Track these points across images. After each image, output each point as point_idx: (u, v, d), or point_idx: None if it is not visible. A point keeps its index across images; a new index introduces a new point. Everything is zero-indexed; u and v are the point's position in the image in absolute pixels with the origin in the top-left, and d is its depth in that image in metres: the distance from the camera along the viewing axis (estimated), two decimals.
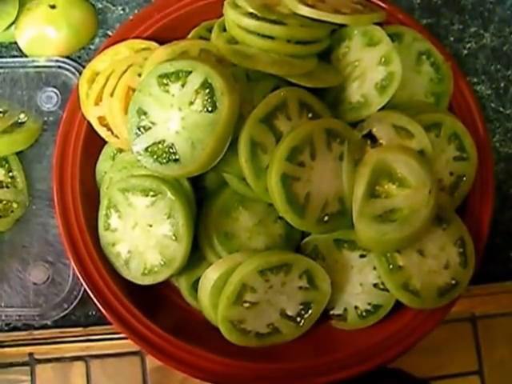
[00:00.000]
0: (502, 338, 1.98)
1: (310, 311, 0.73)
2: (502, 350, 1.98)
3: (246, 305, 0.73)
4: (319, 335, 0.80)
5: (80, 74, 0.81)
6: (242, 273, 0.71)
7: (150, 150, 0.70)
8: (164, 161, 0.69)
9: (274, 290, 0.73)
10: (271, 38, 0.72)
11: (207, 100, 0.68)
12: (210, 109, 0.68)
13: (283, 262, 0.72)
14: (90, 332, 0.91)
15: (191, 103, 0.68)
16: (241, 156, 0.70)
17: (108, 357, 1.66)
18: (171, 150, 0.69)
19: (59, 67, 0.92)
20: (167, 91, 0.69)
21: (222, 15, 0.77)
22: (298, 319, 0.73)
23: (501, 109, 0.94)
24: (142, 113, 0.70)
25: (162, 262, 0.75)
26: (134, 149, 0.70)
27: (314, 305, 0.73)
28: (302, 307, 0.73)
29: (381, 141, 0.73)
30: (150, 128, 0.70)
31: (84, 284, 0.76)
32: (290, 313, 0.73)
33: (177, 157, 0.69)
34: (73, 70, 0.92)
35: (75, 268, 0.77)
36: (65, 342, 0.94)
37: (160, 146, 0.69)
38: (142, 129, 0.70)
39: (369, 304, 0.77)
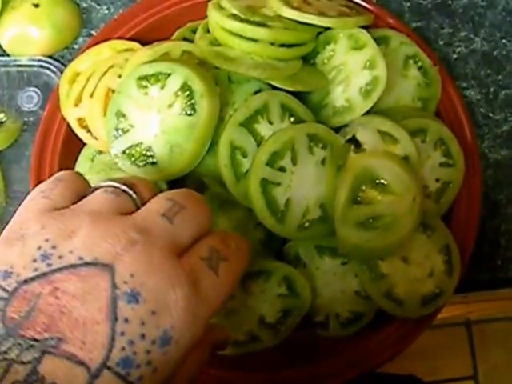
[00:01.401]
0: (497, 342, 1.99)
1: (289, 318, 0.72)
2: (496, 354, 1.98)
3: (225, 312, 0.72)
4: (303, 343, 0.79)
5: (62, 73, 0.80)
6: None
7: (127, 152, 0.69)
8: (141, 164, 0.68)
9: (253, 297, 0.72)
10: (254, 40, 0.71)
11: (186, 103, 0.67)
12: (189, 112, 0.67)
13: (262, 269, 0.71)
14: None
15: (170, 106, 0.67)
16: (220, 160, 0.69)
17: None
18: (149, 153, 0.68)
19: (41, 67, 0.91)
20: (146, 93, 0.68)
21: (207, 16, 0.76)
22: (278, 326, 0.72)
23: (490, 114, 0.93)
24: (120, 115, 0.69)
25: None
26: (112, 151, 0.69)
27: (294, 312, 0.71)
28: (281, 314, 0.72)
29: (365, 146, 0.71)
30: (128, 130, 0.69)
31: None
32: (268, 320, 0.72)
33: (154, 160, 0.68)
34: (55, 69, 0.91)
35: None
36: None
37: (138, 148, 0.68)
38: (120, 131, 0.69)
39: (350, 312, 0.76)
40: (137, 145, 0.68)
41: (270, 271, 0.71)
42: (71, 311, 0.40)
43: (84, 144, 0.79)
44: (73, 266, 0.42)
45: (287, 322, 0.72)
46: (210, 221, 0.51)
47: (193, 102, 0.66)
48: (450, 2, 0.97)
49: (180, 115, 0.67)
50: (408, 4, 0.96)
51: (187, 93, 0.67)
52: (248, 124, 0.70)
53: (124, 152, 0.69)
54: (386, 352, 0.76)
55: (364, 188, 0.69)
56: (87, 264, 0.42)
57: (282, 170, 0.69)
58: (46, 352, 0.39)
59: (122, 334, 0.41)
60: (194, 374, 0.49)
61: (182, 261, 0.45)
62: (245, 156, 0.70)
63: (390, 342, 0.76)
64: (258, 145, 0.70)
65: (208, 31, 0.76)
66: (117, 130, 0.69)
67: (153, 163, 0.68)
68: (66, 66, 0.81)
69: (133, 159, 0.68)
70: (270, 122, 0.71)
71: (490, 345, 1.99)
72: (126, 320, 0.41)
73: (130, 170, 0.69)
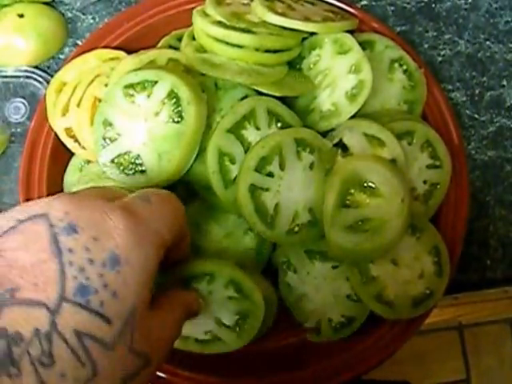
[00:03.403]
0: (489, 346, 1.99)
1: (247, 321, 0.71)
2: (489, 358, 1.98)
3: None
4: (293, 349, 0.79)
5: (49, 84, 0.80)
6: (166, 283, 0.70)
7: (115, 161, 0.69)
8: (130, 172, 0.68)
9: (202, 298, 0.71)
10: (240, 46, 0.71)
11: (173, 110, 0.67)
12: (176, 119, 0.67)
13: (202, 271, 0.70)
14: None
15: (157, 114, 0.67)
16: (208, 167, 0.69)
17: None
18: (137, 162, 0.68)
19: (27, 77, 0.91)
20: (133, 102, 0.68)
21: (192, 24, 0.76)
22: (237, 329, 0.72)
23: (476, 116, 0.94)
24: (107, 124, 0.69)
25: None
26: (100, 160, 0.69)
27: (250, 315, 0.71)
28: (238, 317, 0.71)
29: (352, 150, 0.72)
30: (115, 139, 0.69)
31: None
32: (226, 322, 0.71)
33: (143, 168, 0.68)
34: (41, 80, 0.91)
35: None
36: None
37: (126, 157, 0.68)
38: (107, 140, 0.69)
39: (342, 316, 0.76)
40: (125, 153, 0.68)
41: (211, 273, 0.70)
42: (17, 261, 0.42)
43: (72, 154, 0.79)
44: (12, 227, 0.43)
45: (246, 325, 0.71)
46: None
47: (180, 109, 0.67)
48: (433, 5, 0.97)
49: (167, 123, 0.67)
50: (392, 8, 0.97)
51: (174, 100, 0.67)
52: (235, 130, 0.70)
53: (112, 161, 0.69)
54: (377, 355, 0.76)
55: (352, 191, 0.69)
56: (23, 221, 0.44)
57: (270, 175, 0.69)
58: (3, 305, 0.40)
59: (70, 263, 0.42)
60: (174, 336, 0.52)
61: (114, 202, 0.48)
62: (233, 162, 0.70)
63: (382, 345, 0.76)
64: (246, 151, 0.70)
65: (193, 38, 0.76)
66: (104, 139, 0.69)
67: (142, 171, 0.68)
68: (52, 76, 0.81)
69: (121, 168, 0.68)
70: (257, 128, 0.71)
71: (482, 348, 1.99)
72: (70, 250, 0.42)
73: (120, 179, 0.69)
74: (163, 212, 0.51)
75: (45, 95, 0.79)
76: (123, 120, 0.69)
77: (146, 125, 0.68)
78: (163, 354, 0.49)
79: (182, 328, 0.55)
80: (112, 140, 0.69)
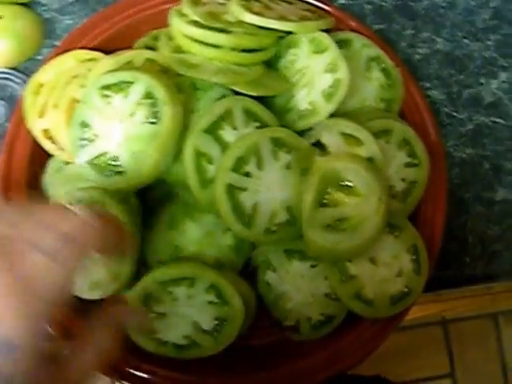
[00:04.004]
0: (473, 340, 2.00)
1: (225, 326, 0.71)
2: (473, 352, 1.99)
3: (154, 315, 0.72)
4: (273, 347, 0.79)
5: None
6: (142, 283, 0.71)
7: (93, 162, 0.69)
8: (108, 173, 0.68)
9: (181, 302, 0.71)
10: (216, 46, 0.71)
11: (150, 111, 0.67)
12: (152, 120, 0.67)
13: (183, 275, 0.71)
14: None
15: (133, 115, 0.67)
16: (186, 167, 0.69)
17: None
18: (115, 163, 0.68)
19: (6, 79, 0.90)
20: (110, 103, 0.68)
21: (169, 24, 0.76)
22: (215, 334, 0.72)
23: (454, 113, 0.94)
24: (84, 125, 0.69)
25: (109, 277, 0.73)
26: (78, 161, 0.69)
27: (228, 321, 0.71)
28: (217, 322, 0.71)
29: (329, 149, 0.72)
30: (93, 140, 0.69)
31: None
32: (204, 327, 0.71)
33: (121, 169, 0.68)
34: (20, 81, 0.90)
35: None
36: None
37: (103, 158, 0.68)
38: (84, 141, 0.69)
39: (321, 314, 0.76)
40: (102, 154, 0.68)
41: (192, 278, 0.71)
42: None
43: (51, 155, 0.79)
44: None
45: (224, 330, 0.71)
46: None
47: (156, 110, 0.67)
48: (411, 3, 0.97)
49: (143, 124, 0.67)
50: (370, 7, 0.97)
51: (150, 101, 0.67)
52: (212, 130, 0.70)
53: (90, 162, 0.69)
54: (357, 352, 0.76)
55: (330, 190, 0.69)
56: None
57: (247, 175, 0.69)
58: None
59: None
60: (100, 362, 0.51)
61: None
62: (210, 162, 0.70)
63: (361, 343, 0.76)
64: (223, 151, 0.70)
65: (171, 39, 0.76)
66: (81, 140, 0.69)
67: (119, 172, 0.68)
68: (30, 77, 0.81)
69: (99, 169, 0.68)
70: (234, 128, 0.71)
71: (466, 343, 2.00)
72: None
73: (98, 180, 0.69)
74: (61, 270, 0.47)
75: (22, 97, 0.79)
76: (100, 121, 0.68)
77: (122, 126, 0.68)
78: None
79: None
80: (89, 141, 0.69)
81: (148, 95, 0.67)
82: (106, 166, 0.68)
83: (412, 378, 1.94)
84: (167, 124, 0.66)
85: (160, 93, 0.66)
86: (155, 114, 0.67)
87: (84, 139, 0.69)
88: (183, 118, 0.69)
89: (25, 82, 0.90)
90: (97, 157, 0.69)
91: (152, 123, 0.67)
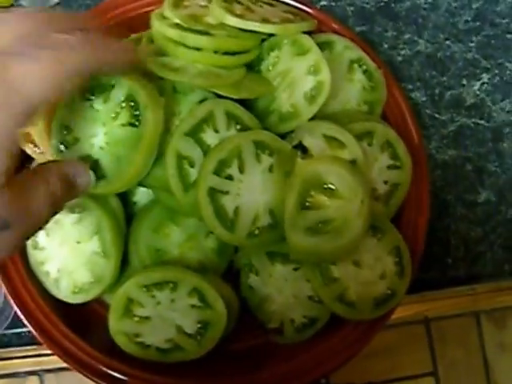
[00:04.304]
0: (455, 338, 2.00)
1: (209, 330, 0.71)
2: (455, 350, 2.00)
3: (136, 319, 0.72)
4: (256, 350, 0.79)
5: None
6: (124, 287, 0.71)
7: None
8: None
9: (164, 306, 0.71)
10: (198, 49, 0.71)
11: (131, 114, 0.67)
12: (134, 123, 0.66)
13: (165, 279, 0.71)
14: (41, 348, 0.89)
15: (115, 118, 0.67)
16: (167, 171, 0.69)
17: (62, 370, 1.64)
18: (96, 166, 0.68)
19: None
20: (91, 106, 0.68)
21: (150, 27, 0.76)
22: (198, 337, 0.72)
23: (436, 115, 0.94)
24: (65, 128, 0.68)
25: (92, 280, 0.74)
26: None
27: (211, 324, 0.71)
28: (200, 325, 0.71)
29: (311, 152, 0.71)
30: (74, 144, 0.68)
31: (13, 304, 0.74)
32: (187, 330, 0.71)
33: (102, 173, 0.67)
34: None
35: (5, 289, 0.75)
36: (16, 357, 0.93)
37: (84, 161, 0.68)
38: (65, 144, 0.68)
39: (305, 317, 0.76)
40: (84, 158, 0.68)
41: (175, 281, 0.70)
42: None
43: (33, 159, 0.78)
44: None
45: (207, 333, 0.71)
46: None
47: (137, 113, 0.66)
48: (393, 5, 0.98)
49: (125, 127, 0.67)
50: (352, 8, 0.97)
51: (131, 104, 0.66)
52: (194, 133, 0.69)
53: None
54: (341, 354, 0.76)
55: (312, 193, 0.69)
56: None
57: (229, 178, 0.69)
58: None
59: None
60: (42, 209, 0.51)
61: None
62: (192, 166, 0.70)
63: (345, 345, 0.76)
64: (205, 154, 0.70)
65: (152, 41, 0.76)
66: (62, 143, 0.68)
67: (101, 176, 0.67)
68: None
69: None
70: (216, 131, 0.70)
71: (449, 341, 2.00)
72: None
73: None
74: (46, 72, 0.46)
75: None
76: (81, 124, 0.68)
77: (103, 129, 0.67)
78: (32, 223, 0.49)
79: (60, 206, 0.54)
80: (70, 144, 0.68)
81: (129, 98, 0.66)
82: None
83: (394, 377, 1.95)
84: (149, 127, 0.66)
85: (141, 96, 0.66)
86: (137, 118, 0.66)
87: (65, 142, 0.68)
88: (165, 121, 0.69)
89: None
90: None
91: (134, 126, 0.66)
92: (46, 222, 0.52)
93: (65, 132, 0.68)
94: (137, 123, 0.66)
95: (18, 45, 0.46)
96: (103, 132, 0.67)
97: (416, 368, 1.97)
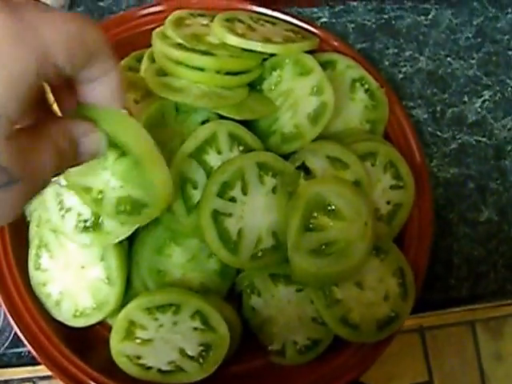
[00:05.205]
0: (451, 347, 2.00)
1: (210, 353, 0.71)
2: (451, 359, 2.00)
3: (138, 341, 0.71)
4: (258, 372, 0.78)
5: None
6: (126, 309, 0.70)
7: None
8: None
9: (166, 328, 0.70)
10: (200, 69, 0.70)
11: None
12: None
13: (168, 302, 0.70)
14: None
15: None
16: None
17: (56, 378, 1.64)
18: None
19: None
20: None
21: (151, 45, 0.75)
22: (201, 360, 0.71)
23: (438, 133, 0.94)
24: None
25: (95, 305, 0.73)
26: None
27: (214, 347, 0.70)
28: (202, 348, 0.71)
29: (315, 172, 0.71)
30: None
31: (14, 324, 0.74)
32: (190, 353, 0.71)
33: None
34: None
35: (5, 308, 0.74)
36: (10, 365, 0.92)
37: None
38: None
39: (308, 339, 0.75)
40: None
41: (177, 304, 0.70)
42: None
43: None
44: None
45: (210, 356, 0.71)
46: None
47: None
48: (393, 22, 0.97)
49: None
50: (352, 25, 0.96)
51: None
52: (197, 155, 0.69)
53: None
54: (342, 378, 0.75)
55: (316, 215, 0.69)
56: None
57: (232, 200, 0.68)
58: None
59: None
60: (50, 164, 0.47)
61: None
62: (195, 187, 0.69)
63: (347, 368, 0.75)
64: (208, 176, 0.69)
65: (153, 60, 0.75)
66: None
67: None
68: None
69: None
70: (219, 152, 0.70)
71: (444, 350, 2.00)
72: None
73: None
74: (62, 26, 0.43)
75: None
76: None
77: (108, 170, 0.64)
78: (37, 180, 0.46)
79: (65, 166, 0.51)
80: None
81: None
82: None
83: None
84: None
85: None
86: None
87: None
88: (167, 141, 0.68)
89: None
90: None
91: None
92: (48, 183, 0.50)
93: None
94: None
95: None
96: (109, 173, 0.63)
97: (412, 377, 1.97)
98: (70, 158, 0.51)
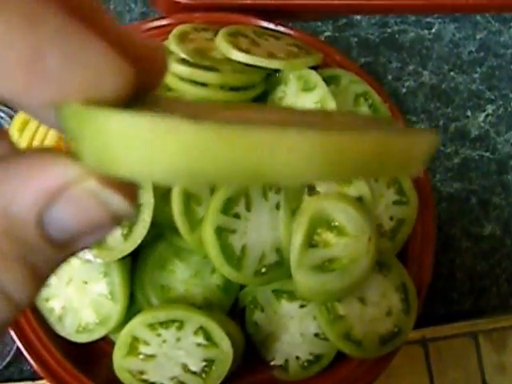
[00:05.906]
0: (453, 359, 1.99)
1: (213, 368, 0.71)
2: (453, 371, 1.98)
3: (141, 356, 0.71)
4: None
5: (12, 119, 0.78)
6: (130, 325, 0.70)
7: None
8: None
9: (170, 344, 0.70)
10: (204, 85, 0.70)
11: None
12: None
13: (172, 318, 0.70)
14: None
15: None
16: (174, 209, 0.68)
17: None
18: None
19: None
20: None
21: None
22: (204, 375, 0.71)
23: (441, 147, 0.94)
24: None
25: (97, 321, 0.73)
26: None
27: (217, 363, 0.70)
28: (205, 364, 0.70)
29: (318, 188, 0.71)
30: None
31: (16, 339, 0.74)
32: (193, 368, 0.70)
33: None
34: (5, 116, 0.89)
35: None
36: (12, 380, 0.92)
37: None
38: None
39: (310, 354, 0.75)
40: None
41: (181, 320, 0.70)
42: None
43: None
44: None
45: (213, 372, 0.70)
46: None
47: None
48: (397, 35, 0.97)
49: None
50: (355, 39, 0.97)
51: None
52: None
53: None
54: None
55: (319, 231, 0.69)
56: None
57: (236, 216, 0.68)
58: None
59: None
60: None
61: None
62: (199, 204, 0.69)
63: (351, 381, 0.75)
64: (212, 192, 0.69)
65: None
66: None
67: None
68: (17, 112, 0.80)
69: None
70: None
71: (447, 362, 1.98)
72: None
73: None
74: None
75: (7, 131, 0.77)
76: None
77: None
78: None
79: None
80: None
81: None
82: None
83: None
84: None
85: None
86: None
87: None
88: None
89: (11, 117, 0.89)
90: None
91: None
92: None
93: None
94: None
95: None
96: None
97: None
98: None
